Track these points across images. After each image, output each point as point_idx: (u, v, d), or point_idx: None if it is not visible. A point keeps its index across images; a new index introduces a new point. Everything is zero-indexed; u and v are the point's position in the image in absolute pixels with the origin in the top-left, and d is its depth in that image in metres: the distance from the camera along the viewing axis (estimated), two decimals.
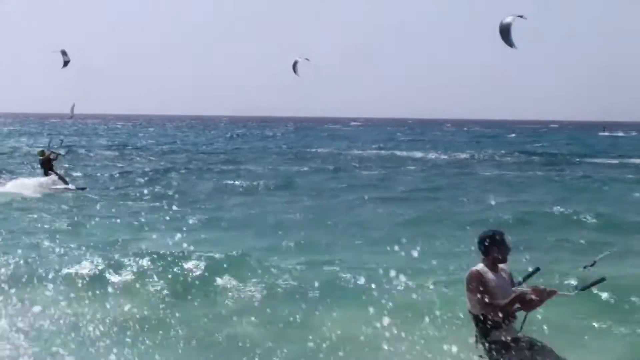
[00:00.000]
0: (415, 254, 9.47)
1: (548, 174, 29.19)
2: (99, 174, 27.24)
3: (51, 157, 22.63)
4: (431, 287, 9.61)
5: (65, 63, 32.34)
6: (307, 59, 29.49)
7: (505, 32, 21.32)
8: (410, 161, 38.81)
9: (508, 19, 21.40)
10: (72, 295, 9.18)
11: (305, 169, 31.43)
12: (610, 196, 21.46)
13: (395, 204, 19.27)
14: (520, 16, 21.82)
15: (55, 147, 25.03)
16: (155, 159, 35.47)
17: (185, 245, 12.42)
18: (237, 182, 24.11)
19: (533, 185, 24.61)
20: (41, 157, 22.65)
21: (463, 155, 42.98)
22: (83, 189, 22.37)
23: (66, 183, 22.22)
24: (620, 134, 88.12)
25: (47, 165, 22.33)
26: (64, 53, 32.04)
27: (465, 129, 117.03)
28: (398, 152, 47.42)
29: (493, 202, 18.86)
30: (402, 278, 9.86)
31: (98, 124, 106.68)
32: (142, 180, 25.11)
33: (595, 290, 8.34)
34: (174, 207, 17.75)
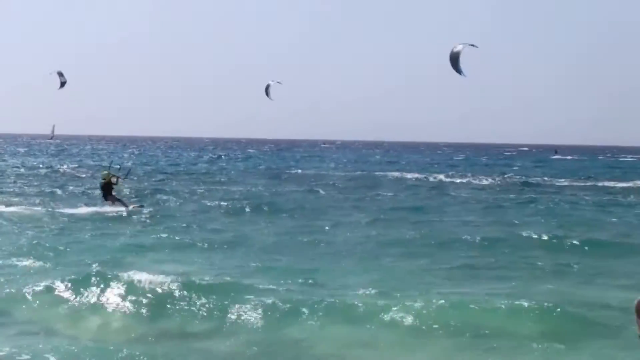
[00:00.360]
0: (396, 273, 10.05)
1: (523, 196, 29.95)
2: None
3: (112, 180, 21.88)
4: (415, 305, 9.86)
5: (62, 84, 32.63)
6: (279, 82, 30.26)
7: (454, 60, 22.35)
8: (388, 181, 39.65)
9: (458, 47, 22.38)
10: None
11: (288, 189, 31.88)
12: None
13: (377, 224, 19.75)
14: (472, 45, 22.99)
15: (116, 168, 24.98)
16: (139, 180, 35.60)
17: (171, 267, 12.87)
18: (222, 203, 24.40)
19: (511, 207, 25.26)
20: (103, 180, 21.98)
21: (439, 177, 43.88)
22: (141, 206, 22.13)
23: (126, 205, 21.64)
24: (570, 157, 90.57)
25: (107, 189, 21.70)
26: (60, 74, 32.32)
27: (439, 151, 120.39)
28: (377, 173, 48.36)
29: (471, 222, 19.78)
30: (386, 297, 10.49)
31: (82, 144, 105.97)
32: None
33: None
34: (159, 228, 18.18)
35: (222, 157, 75.65)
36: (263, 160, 68.42)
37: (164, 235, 16.97)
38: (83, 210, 21.55)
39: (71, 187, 30.03)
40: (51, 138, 59.74)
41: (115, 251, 14.79)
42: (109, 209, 21.39)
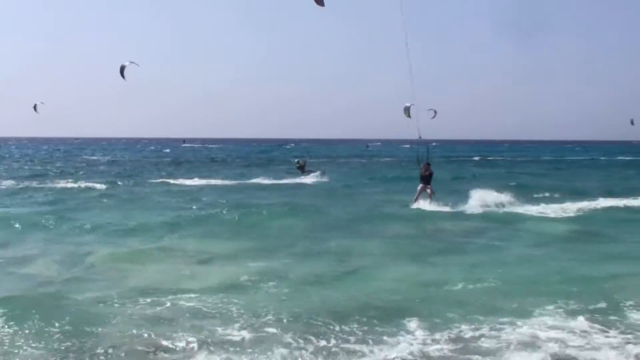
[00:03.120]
0: None
1: None
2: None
3: (303, 163, 43.53)
4: None
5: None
6: (136, 64, 30.24)
7: (406, 110, 31.09)
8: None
9: (407, 104, 31.34)
10: None
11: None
12: None
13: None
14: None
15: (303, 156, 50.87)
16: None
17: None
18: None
19: None
20: (297, 164, 43.76)
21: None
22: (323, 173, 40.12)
23: (307, 173, 41.02)
24: None
25: (302, 169, 42.39)
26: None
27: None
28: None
29: None
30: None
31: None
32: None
33: None
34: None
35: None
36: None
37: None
38: None
39: None
40: None
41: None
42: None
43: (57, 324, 9.16)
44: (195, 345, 8.39)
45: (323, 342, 8.50)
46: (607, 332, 8.98)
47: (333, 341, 8.55)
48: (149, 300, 10.49)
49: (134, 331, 8.90)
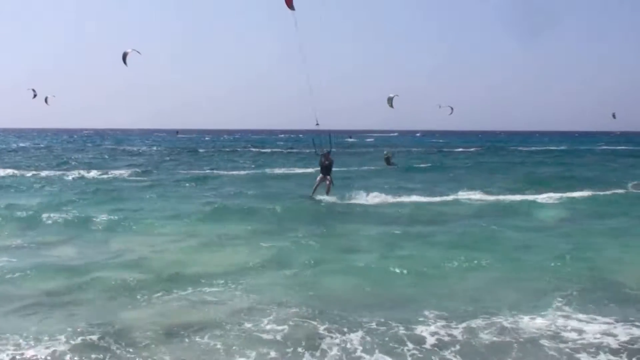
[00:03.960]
0: None
1: None
2: None
3: (390, 155, 43.15)
4: None
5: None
6: (138, 52, 30.52)
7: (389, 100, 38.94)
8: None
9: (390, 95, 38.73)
10: None
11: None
12: None
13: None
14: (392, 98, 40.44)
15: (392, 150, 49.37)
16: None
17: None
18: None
19: None
20: (386, 156, 43.01)
21: None
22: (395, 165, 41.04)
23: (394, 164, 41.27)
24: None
25: (387, 162, 41.80)
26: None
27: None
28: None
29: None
30: None
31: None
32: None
33: None
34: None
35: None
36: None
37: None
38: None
39: None
40: None
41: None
42: None
43: (83, 308, 9.56)
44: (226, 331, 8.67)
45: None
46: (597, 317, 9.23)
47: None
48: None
49: (161, 316, 9.25)
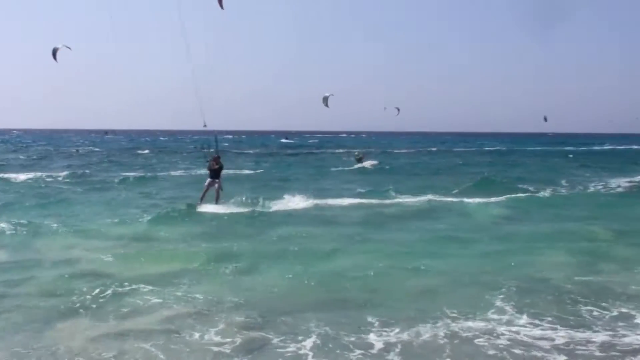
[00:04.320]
0: None
1: None
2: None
3: (362, 155, 44.47)
4: None
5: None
6: (68, 47, 29.52)
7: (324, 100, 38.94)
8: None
9: (326, 94, 39.21)
10: None
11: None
12: None
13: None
14: (327, 97, 39.94)
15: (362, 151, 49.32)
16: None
17: None
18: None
19: None
20: (358, 156, 44.77)
21: None
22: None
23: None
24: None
25: (359, 161, 43.77)
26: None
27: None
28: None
29: None
30: None
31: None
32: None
33: None
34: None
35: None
36: None
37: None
38: None
39: None
40: None
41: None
42: None
43: (14, 313, 9.23)
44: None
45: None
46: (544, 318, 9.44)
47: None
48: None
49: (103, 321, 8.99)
